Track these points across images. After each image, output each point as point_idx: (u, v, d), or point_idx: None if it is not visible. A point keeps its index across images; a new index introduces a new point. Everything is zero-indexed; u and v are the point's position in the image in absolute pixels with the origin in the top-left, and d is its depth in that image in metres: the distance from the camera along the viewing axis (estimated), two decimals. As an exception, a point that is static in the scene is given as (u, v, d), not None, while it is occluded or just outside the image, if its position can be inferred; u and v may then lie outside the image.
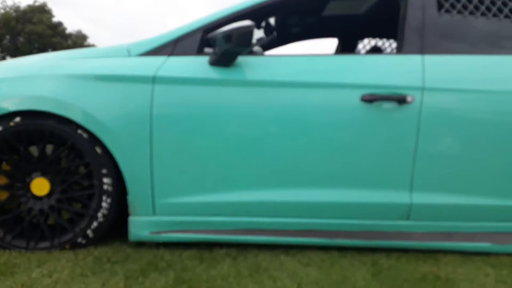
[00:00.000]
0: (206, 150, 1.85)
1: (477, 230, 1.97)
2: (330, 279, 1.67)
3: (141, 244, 1.95)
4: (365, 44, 3.29)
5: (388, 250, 1.98)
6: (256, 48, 2.45)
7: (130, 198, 1.87)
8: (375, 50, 3.12)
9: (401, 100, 1.84)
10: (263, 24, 2.86)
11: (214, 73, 1.85)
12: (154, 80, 1.82)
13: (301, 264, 1.80)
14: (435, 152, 1.89)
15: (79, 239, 1.89)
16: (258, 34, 3.06)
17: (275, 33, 2.84)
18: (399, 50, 1.97)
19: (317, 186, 1.90)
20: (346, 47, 3.31)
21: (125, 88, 1.83)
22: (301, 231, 1.94)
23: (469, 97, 1.89)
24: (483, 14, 1.99)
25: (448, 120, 1.88)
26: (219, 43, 1.77)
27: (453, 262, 1.88)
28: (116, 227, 2.03)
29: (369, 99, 1.84)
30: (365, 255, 1.92)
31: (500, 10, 2.00)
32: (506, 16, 1.99)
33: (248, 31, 1.69)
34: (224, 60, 1.82)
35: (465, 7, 1.99)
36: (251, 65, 1.88)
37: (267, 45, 2.99)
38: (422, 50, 1.93)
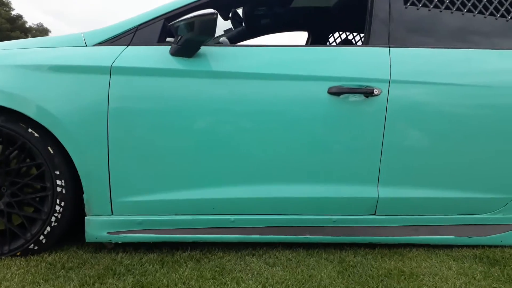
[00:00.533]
0: (166, 146, 1.77)
1: (441, 223, 1.99)
2: (295, 278, 1.63)
3: (99, 249, 1.86)
4: (336, 38, 3.29)
5: (355, 247, 1.97)
6: (222, 39, 2.39)
7: (86, 197, 1.77)
8: (346, 43, 3.12)
9: (367, 93, 1.82)
10: (231, 14, 2.81)
11: (176, 63, 1.77)
12: (111, 71, 1.72)
13: (267, 265, 1.76)
14: (401, 145, 1.89)
15: (31, 245, 1.77)
16: (226, 25, 3.01)
17: (244, 25, 2.79)
18: (366, 42, 1.96)
19: (284, 182, 1.86)
20: (317, 40, 3.30)
21: (80, 79, 1.72)
22: (268, 228, 1.89)
23: (435, 90, 1.90)
24: (447, 8, 2.01)
25: (414, 113, 1.88)
26: (180, 32, 1.69)
27: (418, 256, 1.88)
28: (74, 232, 1.93)
29: (336, 92, 1.81)
30: (332, 253, 1.90)
31: (463, 5, 2.02)
32: (469, 11, 2.02)
33: (211, 19, 1.62)
34: (186, 49, 1.75)
35: (430, 1, 2.00)
36: (215, 56, 1.81)
37: (236, 37, 2.94)
38: (389, 42, 1.93)
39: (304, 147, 1.84)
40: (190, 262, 1.76)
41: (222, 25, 2.91)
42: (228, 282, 1.58)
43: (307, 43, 3.33)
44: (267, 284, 1.58)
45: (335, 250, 1.94)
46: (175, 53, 1.76)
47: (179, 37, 1.70)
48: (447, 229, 1.98)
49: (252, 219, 1.88)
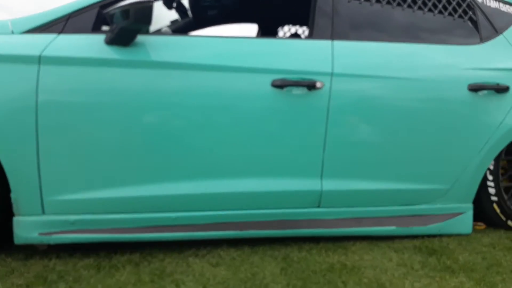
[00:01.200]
0: (100, 141, 1.68)
1: (384, 214, 2.02)
2: (237, 277, 1.60)
3: (30, 255, 1.74)
4: (286, 31, 3.29)
5: (300, 243, 1.97)
6: (164, 29, 2.32)
7: (14, 196, 1.65)
8: (295, 37, 3.12)
9: (310, 86, 1.82)
10: (175, 4, 2.72)
11: (111, 53, 1.68)
12: (40, 60, 1.61)
13: (210, 265, 1.72)
14: (344, 138, 1.91)
15: (-49, 256, 1.64)
16: (172, 16, 2.91)
17: (190, 15, 2.71)
18: (310, 35, 1.96)
19: (227, 176, 1.82)
20: (266, 33, 3.27)
21: (5, 70, 1.59)
22: (211, 225, 1.85)
23: (378, 83, 1.93)
24: (388, 3, 2.04)
25: (357, 106, 1.90)
26: (116, 20, 1.61)
27: (361, 249, 1.91)
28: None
29: (280, 85, 1.79)
30: (277, 249, 1.88)
31: (404, 1, 2.06)
32: (409, 6, 2.07)
33: (146, 7, 1.55)
34: (122, 38, 1.66)
35: None
36: (154, 45, 1.74)
37: (182, 28, 2.85)
38: (332, 36, 1.93)
39: (247, 141, 1.81)
40: (129, 266, 1.68)
41: (169, 15, 2.83)
42: (167, 285, 1.52)
43: (257, 36, 3.31)
44: (208, 285, 1.54)
45: (280, 246, 1.92)
46: (110, 41, 1.67)
47: (115, 25, 1.63)
48: (389, 220, 2.02)
49: (194, 216, 1.83)
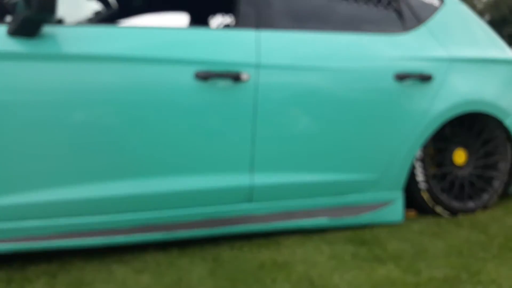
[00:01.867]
0: (7, 140, 1.53)
1: (316, 206, 2.01)
2: (162, 282, 1.51)
3: None
4: (218, 21, 3.20)
5: (232, 241, 1.91)
6: (79, 20, 2.17)
7: None
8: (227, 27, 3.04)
9: (236, 78, 1.75)
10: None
11: (14, 44, 1.53)
12: None
13: (134, 271, 1.61)
14: (274, 131, 1.86)
15: None
16: (96, 7, 2.74)
17: (115, 5, 2.57)
18: (235, 24, 1.90)
19: (151, 176, 1.72)
20: (197, 22, 3.17)
21: None
22: (136, 228, 1.74)
23: (304, 74, 1.90)
24: None
25: (284, 98, 1.87)
26: (19, 9, 1.49)
27: (294, 244, 1.88)
28: None
29: (204, 76, 1.71)
30: (207, 250, 1.81)
31: None
32: None
33: None
34: (25, 28, 1.52)
35: None
36: (66, 36, 1.61)
37: (106, 19, 2.68)
38: (257, 25, 1.88)
39: (172, 137, 1.72)
40: (44, 277, 1.55)
41: (93, 6, 2.66)
42: (82, 297, 1.41)
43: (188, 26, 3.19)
44: (128, 293, 1.44)
45: (211, 246, 1.85)
46: (13, 32, 1.52)
47: (17, 15, 1.49)
48: (321, 212, 2.01)
49: (117, 220, 1.72)
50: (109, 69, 1.63)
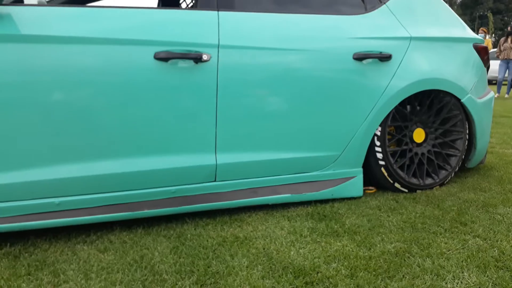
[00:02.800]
0: None
1: (279, 183, 2.07)
2: (124, 261, 1.56)
3: None
4: (188, 2, 3.16)
5: (197, 219, 1.96)
6: (39, 1, 2.12)
7: None
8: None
9: (197, 58, 1.77)
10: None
11: None
12: None
13: (97, 251, 1.65)
14: (235, 110, 1.90)
15: None
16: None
17: None
18: (195, 5, 1.90)
19: (115, 157, 1.75)
20: (167, 3, 3.13)
21: None
22: (100, 208, 1.77)
23: (265, 55, 1.92)
24: None
25: (246, 78, 1.90)
26: None
27: (256, 220, 1.95)
28: None
29: (164, 57, 1.73)
30: (172, 228, 1.86)
31: None
32: None
33: None
34: None
35: None
36: (24, 17, 1.59)
37: (69, 1, 2.62)
38: (217, 6, 1.89)
39: (135, 118, 1.74)
40: (6, 259, 1.57)
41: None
42: (43, 277, 1.44)
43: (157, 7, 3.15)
44: (90, 271, 1.48)
45: (176, 224, 1.90)
46: None
47: None
48: (284, 188, 2.08)
49: (81, 200, 1.74)
50: (68, 50, 1.62)
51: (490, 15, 35.29)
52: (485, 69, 2.59)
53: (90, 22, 1.68)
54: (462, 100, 2.37)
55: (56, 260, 1.57)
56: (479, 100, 2.47)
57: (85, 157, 1.71)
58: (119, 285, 1.39)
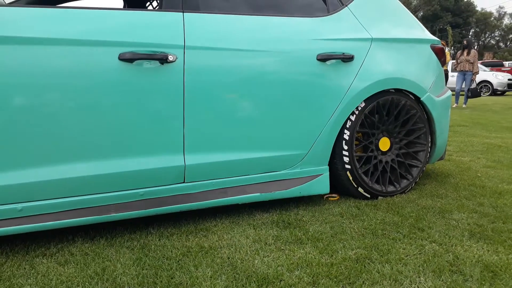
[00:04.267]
0: None
1: (248, 182, 2.09)
2: (85, 274, 1.52)
3: None
4: (154, 4, 3.15)
5: (162, 229, 1.95)
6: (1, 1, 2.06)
7: None
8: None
9: (163, 59, 1.78)
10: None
11: None
12: None
13: (57, 264, 1.61)
14: (202, 111, 1.91)
15: None
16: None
17: None
18: (160, 6, 1.91)
19: (79, 159, 1.72)
20: (133, 5, 3.11)
21: None
22: (66, 213, 1.73)
23: (232, 56, 1.95)
24: None
25: (212, 79, 1.91)
26: None
27: (222, 230, 1.95)
28: None
29: (129, 58, 1.72)
30: (136, 239, 1.84)
31: None
32: None
33: None
34: None
35: None
36: None
37: (38, 1, 2.56)
38: (182, 7, 1.91)
39: (99, 119, 1.72)
40: (-42, 275, 1.50)
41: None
42: (-1, 293, 1.39)
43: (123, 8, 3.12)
44: (48, 286, 1.44)
45: (140, 235, 1.88)
46: None
47: None
48: (253, 188, 2.10)
49: (45, 205, 1.69)
50: (28, 52, 1.59)
51: (449, 28, 36.98)
52: (442, 69, 2.71)
53: (52, 23, 1.65)
54: (421, 99, 2.47)
55: (13, 275, 1.51)
56: (438, 98, 2.59)
57: (50, 160, 1.67)
58: (79, 299, 1.36)
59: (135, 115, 1.78)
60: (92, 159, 1.74)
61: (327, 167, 2.29)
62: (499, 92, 15.97)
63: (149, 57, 1.76)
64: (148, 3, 3.18)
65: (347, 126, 2.29)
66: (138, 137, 1.81)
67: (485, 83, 15.77)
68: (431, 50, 2.62)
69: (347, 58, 2.21)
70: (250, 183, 2.10)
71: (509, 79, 15.96)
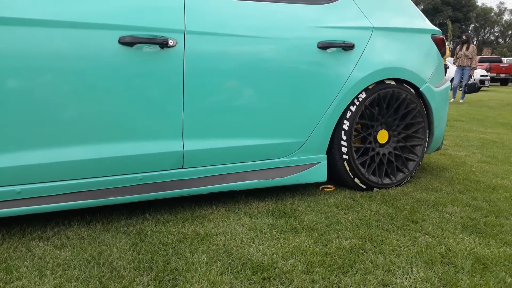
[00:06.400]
0: None
1: (246, 169, 2.10)
2: (81, 257, 1.53)
3: None
4: None
5: (158, 216, 1.96)
6: None
7: None
8: None
9: (163, 44, 1.77)
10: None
11: None
12: None
13: (54, 247, 1.62)
14: (202, 97, 1.91)
15: None
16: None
17: None
18: None
19: (78, 143, 1.72)
20: None
21: None
22: (64, 195, 1.73)
23: (233, 42, 1.94)
24: None
25: (212, 64, 1.91)
26: None
27: (218, 217, 1.96)
28: None
29: (129, 42, 1.71)
30: (132, 225, 1.85)
31: None
32: None
33: None
34: None
35: None
36: None
37: None
38: None
39: (98, 102, 1.71)
40: (-45, 256, 1.51)
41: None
42: (-5, 274, 1.40)
43: None
44: (45, 268, 1.45)
45: (137, 221, 1.89)
46: None
47: None
48: (251, 175, 2.11)
49: (44, 187, 1.69)
50: (27, 34, 1.57)
51: (449, 23, 36.89)
52: (442, 59, 2.72)
53: (52, 4, 1.62)
54: (421, 89, 2.48)
55: (9, 257, 1.52)
56: (437, 89, 2.60)
57: (48, 143, 1.67)
58: (75, 282, 1.37)
59: (134, 99, 1.77)
60: (91, 143, 1.74)
61: (325, 155, 2.30)
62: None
63: (149, 41, 1.74)
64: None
65: (347, 116, 2.30)
66: (137, 122, 1.80)
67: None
68: (431, 41, 2.62)
69: (347, 47, 2.21)
70: (248, 170, 2.11)
71: (481, 75, 15.79)
